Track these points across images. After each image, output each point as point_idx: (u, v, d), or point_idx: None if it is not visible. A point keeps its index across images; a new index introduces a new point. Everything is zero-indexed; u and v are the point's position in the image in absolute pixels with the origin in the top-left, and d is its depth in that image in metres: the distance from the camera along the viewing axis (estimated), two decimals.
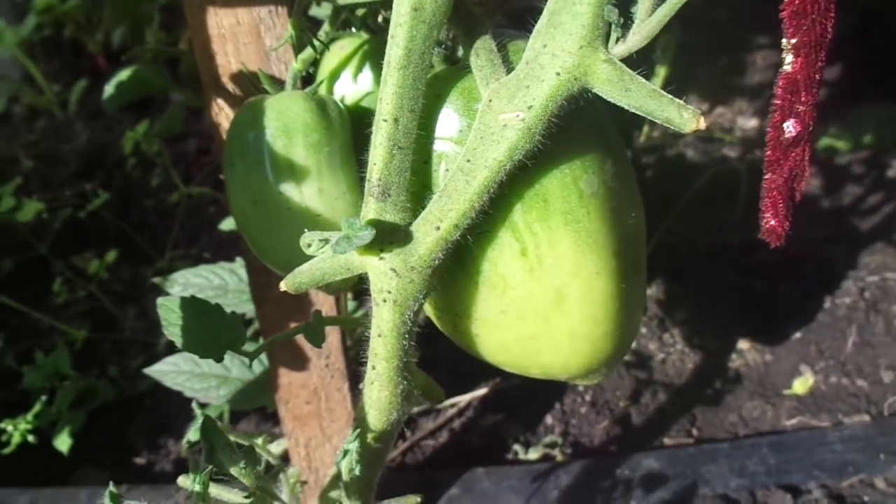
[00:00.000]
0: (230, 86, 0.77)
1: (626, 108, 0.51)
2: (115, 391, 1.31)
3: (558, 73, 0.51)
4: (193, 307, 0.67)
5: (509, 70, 0.55)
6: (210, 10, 0.73)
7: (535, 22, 0.53)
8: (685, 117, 0.50)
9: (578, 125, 0.56)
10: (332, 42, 0.74)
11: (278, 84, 0.72)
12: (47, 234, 1.57)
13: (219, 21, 0.74)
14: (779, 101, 0.50)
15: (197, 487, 0.59)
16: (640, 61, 0.52)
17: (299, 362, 0.93)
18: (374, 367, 0.62)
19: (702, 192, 1.48)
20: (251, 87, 0.74)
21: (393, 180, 0.55)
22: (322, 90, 0.73)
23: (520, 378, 0.71)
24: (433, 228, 0.55)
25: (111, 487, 0.58)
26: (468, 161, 0.54)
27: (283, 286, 0.57)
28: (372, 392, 0.63)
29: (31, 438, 1.17)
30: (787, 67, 0.48)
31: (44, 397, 1.22)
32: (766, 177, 0.54)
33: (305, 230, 0.56)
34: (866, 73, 1.69)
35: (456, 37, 0.63)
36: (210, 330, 0.67)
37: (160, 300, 0.68)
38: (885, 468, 1.06)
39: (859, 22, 1.78)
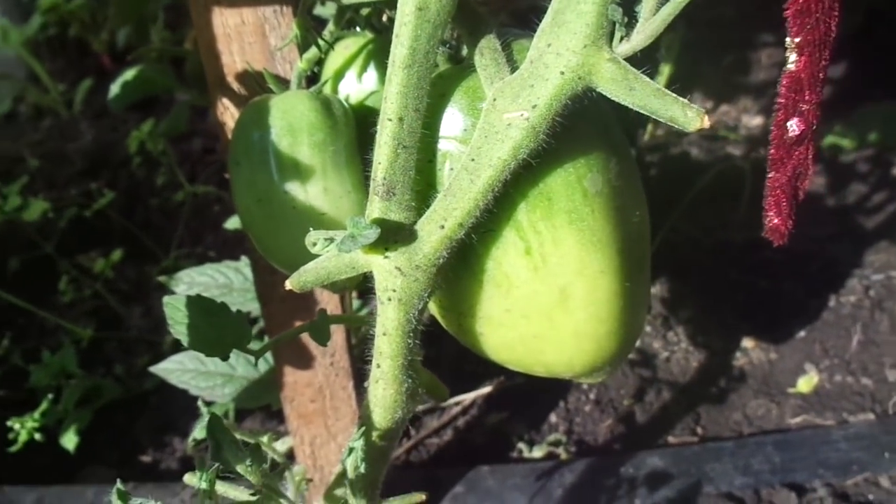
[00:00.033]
0: (235, 85, 0.77)
1: (631, 106, 0.51)
2: (121, 389, 1.31)
3: (562, 72, 0.51)
4: (199, 306, 0.67)
5: (514, 69, 0.55)
6: (215, 9, 0.74)
7: (540, 21, 0.53)
8: (689, 116, 0.50)
9: (583, 124, 0.56)
10: (337, 41, 0.74)
11: (283, 83, 0.73)
12: (53, 234, 1.58)
13: (224, 20, 0.74)
14: (782, 100, 0.50)
15: (203, 485, 0.59)
16: (644, 60, 0.52)
17: (304, 360, 0.93)
18: (378, 366, 0.62)
19: (706, 191, 1.48)
20: (256, 86, 0.74)
21: (398, 179, 0.55)
22: (327, 89, 0.73)
23: (524, 376, 0.71)
24: (438, 227, 0.55)
25: (119, 485, 0.58)
26: (473, 160, 0.54)
27: (288, 285, 0.57)
28: (377, 390, 0.64)
29: (37, 436, 1.17)
30: (790, 66, 0.48)
31: (50, 395, 1.22)
32: (769, 175, 0.54)
33: (310, 229, 0.56)
34: (871, 72, 1.69)
35: (460, 36, 0.63)
36: (215, 328, 0.67)
37: (166, 299, 0.68)
38: (889, 466, 1.06)
39: (864, 20, 1.78)
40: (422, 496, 0.72)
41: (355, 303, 1.13)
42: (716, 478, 1.07)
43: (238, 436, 0.65)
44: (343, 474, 0.69)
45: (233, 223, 1.20)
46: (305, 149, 0.66)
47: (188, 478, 0.62)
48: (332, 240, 0.55)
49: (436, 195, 0.56)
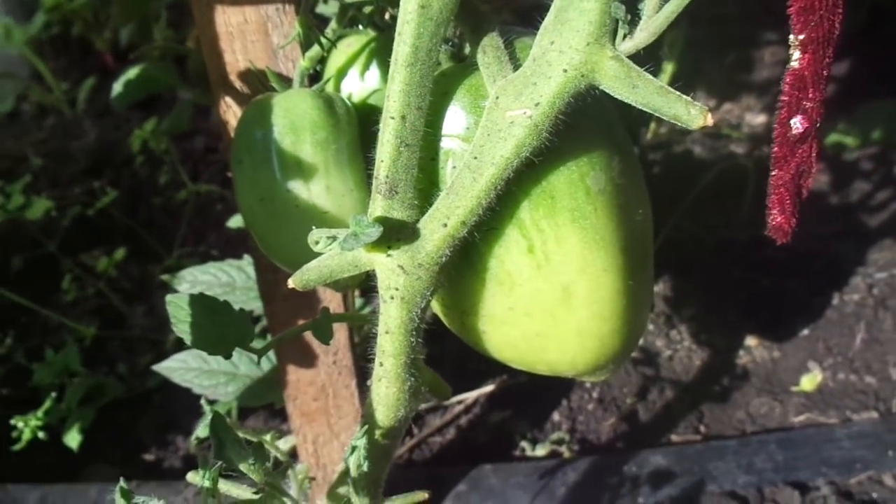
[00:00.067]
0: (238, 83, 0.77)
1: (634, 104, 0.51)
2: (124, 388, 1.32)
3: (565, 70, 0.51)
4: (202, 304, 0.67)
5: (516, 67, 0.55)
6: (218, 7, 0.74)
7: (543, 19, 0.53)
8: (693, 114, 0.50)
9: (586, 122, 0.56)
10: (340, 40, 0.74)
11: (286, 82, 0.73)
12: (56, 232, 1.58)
13: (226, 19, 0.74)
14: (786, 98, 0.50)
15: (206, 483, 0.59)
16: (647, 58, 0.52)
17: (307, 359, 0.93)
18: (381, 364, 0.62)
19: (709, 189, 1.48)
20: (259, 84, 0.74)
21: (400, 177, 0.55)
22: (329, 88, 0.73)
23: (527, 375, 0.71)
24: (440, 225, 0.55)
25: (122, 483, 0.58)
26: (475, 158, 0.54)
27: (290, 283, 0.57)
28: (379, 389, 0.63)
29: (41, 435, 1.17)
30: (794, 64, 0.48)
31: (53, 394, 1.22)
32: (772, 173, 0.53)
33: (313, 227, 0.56)
34: (874, 69, 1.69)
35: (463, 34, 0.63)
36: (218, 327, 0.67)
37: (169, 297, 0.68)
38: (893, 465, 1.06)
39: (867, 18, 1.77)
40: (424, 495, 0.72)
41: (358, 301, 1.13)
42: (719, 476, 1.06)
43: (241, 434, 0.65)
44: (346, 473, 0.69)
45: (235, 222, 1.21)
46: (308, 147, 0.66)
47: (191, 476, 0.62)
48: (334, 238, 0.55)
49: (438, 193, 0.56)
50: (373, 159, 0.56)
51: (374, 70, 0.73)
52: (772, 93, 1.76)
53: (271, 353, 1.01)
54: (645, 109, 0.51)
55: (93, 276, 1.51)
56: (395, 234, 0.55)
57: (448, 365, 1.22)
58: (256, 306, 1.03)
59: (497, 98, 0.54)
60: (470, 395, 1.24)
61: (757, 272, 1.39)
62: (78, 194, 1.71)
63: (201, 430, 0.89)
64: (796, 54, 0.48)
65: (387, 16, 0.73)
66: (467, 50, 0.63)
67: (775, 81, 1.80)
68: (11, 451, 1.17)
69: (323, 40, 0.71)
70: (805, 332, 1.30)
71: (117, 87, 1.16)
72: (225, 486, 0.63)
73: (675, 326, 1.33)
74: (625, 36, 0.52)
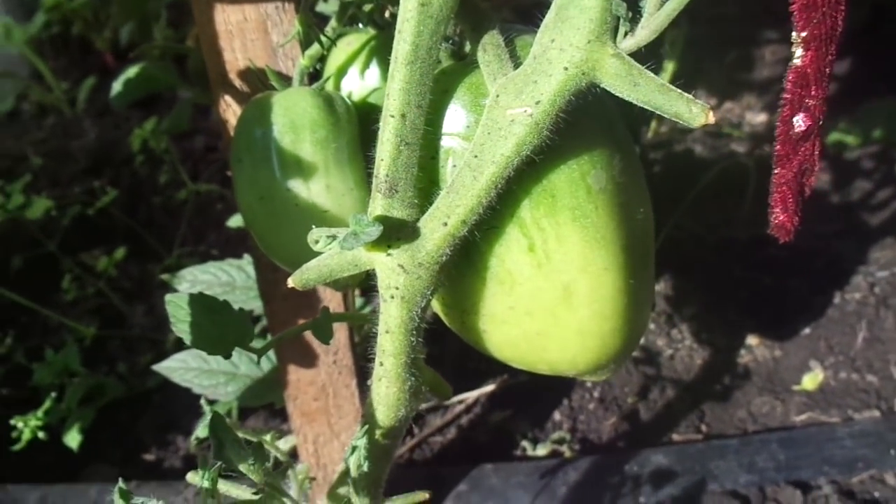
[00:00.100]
0: (237, 82, 0.77)
1: (635, 102, 0.51)
2: (124, 388, 1.31)
3: (566, 68, 0.51)
4: (201, 304, 0.67)
5: (517, 65, 0.55)
6: (217, 6, 0.73)
7: (543, 17, 0.53)
8: (694, 112, 0.49)
9: (586, 120, 0.56)
10: (339, 38, 0.74)
11: (285, 80, 0.72)
12: (56, 232, 1.58)
13: (226, 17, 0.74)
14: (788, 96, 0.49)
15: (205, 484, 0.59)
16: (648, 56, 0.52)
17: (307, 359, 0.93)
18: (381, 364, 0.62)
19: (710, 188, 1.47)
20: (258, 83, 0.74)
21: (400, 176, 0.55)
22: (329, 86, 0.72)
23: (528, 374, 0.71)
24: (440, 224, 0.55)
25: (121, 484, 0.58)
26: (475, 157, 0.54)
27: (290, 283, 0.57)
28: (380, 388, 0.63)
29: (41, 435, 1.17)
30: (796, 61, 0.48)
31: (53, 394, 1.22)
32: (775, 172, 0.53)
33: (313, 226, 0.56)
34: (876, 68, 1.69)
35: (463, 32, 0.63)
36: (218, 326, 0.67)
37: (168, 297, 0.68)
38: (895, 464, 1.06)
39: (869, 16, 1.77)
40: (425, 495, 0.72)
41: (358, 300, 1.13)
42: (720, 475, 1.06)
43: (240, 434, 0.65)
44: (346, 473, 0.68)
45: (235, 221, 1.20)
46: (308, 146, 0.66)
47: (191, 477, 0.62)
48: (334, 237, 0.55)
49: (438, 192, 0.56)
50: (373, 158, 0.56)
51: (374, 68, 0.73)
52: (772, 91, 1.76)
53: (271, 353, 1.01)
54: (646, 107, 0.51)
55: (93, 276, 1.51)
56: (395, 233, 0.55)
57: (448, 364, 1.22)
58: (256, 306, 1.03)
59: (497, 96, 0.53)
60: (470, 395, 1.24)
61: (758, 271, 1.39)
62: (78, 194, 1.70)
63: (201, 430, 0.89)
64: (799, 52, 0.48)
65: (387, 14, 0.73)
66: (468, 48, 0.63)
67: (776, 80, 1.80)
68: (11, 452, 1.17)
69: (323, 38, 0.71)
70: (806, 330, 1.29)
71: (117, 86, 1.16)
72: (225, 487, 0.63)
73: (676, 325, 1.33)
74: (626, 34, 0.51)
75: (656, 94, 0.50)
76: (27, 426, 1.17)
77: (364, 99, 0.72)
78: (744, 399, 1.21)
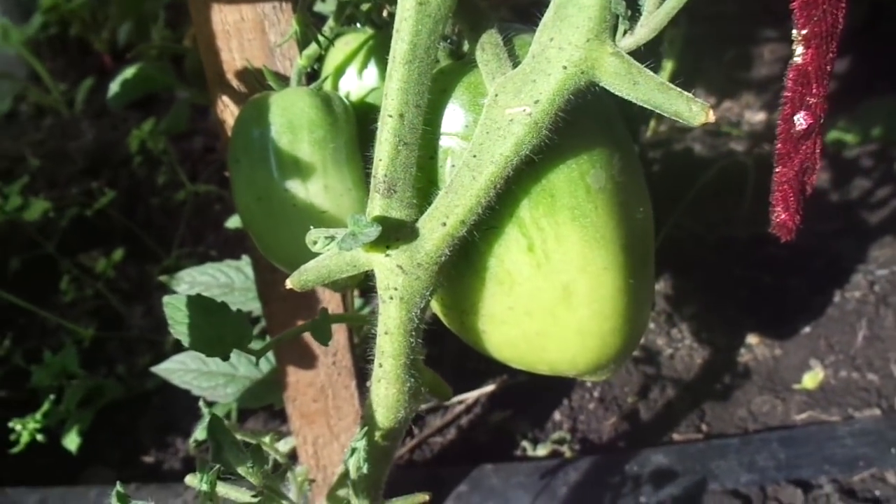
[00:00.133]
0: (235, 82, 0.77)
1: (635, 101, 0.51)
2: (122, 389, 1.31)
3: (565, 67, 0.51)
4: (199, 305, 0.67)
5: (515, 64, 0.54)
6: (214, 6, 0.73)
7: (541, 15, 0.53)
8: (694, 110, 0.49)
9: (585, 119, 0.56)
10: (337, 38, 0.73)
11: (283, 80, 0.72)
12: (54, 233, 1.57)
13: (223, 17, 0.74)
14: (789, 94, 0.49)
15: (204, 487, 0.58)
16: (647, 55, 0.52)
17: (306, 360, 0.92)
18: (381, 365, 0.62)
19: (709, 187, 1.47)
20: (256, 83, 0.74)
21: (399, 176, 0.54)
22: (327, 86, 0.72)
23: (527, 374, 0.71)
24: (439, 224, 0.54)
25: (119, 487, 0.58)
26: (474, 156, 0.53)
27: (288, 284, 0.57)
28: (379, 389, 0.63)
29: (39, 437, 1.17)
30: (797, 59, 0.48)
31: (52, 396, 1.22)
32: (776, 170, 0.53)
33: (311, 227, 0.56)
34: (875, 66, 1.68)
35: (461, 31, 0.63)
36: (216, 328, 0.66)
37: (166, 298, 0.67)
38: None
39: (868, 14, 1.77)
40: (425, 496, 0.71)
41: (357, 301, 1.13)
42: (721, 475, 1.06)
43: (239, 436, 0.64)
44: (346, 475, 0.68)
45: (234, 222, 1.20)
46: (305, 146, 0.66)
47: (189, 479, 0.62)
48: (332, 238, 0.54)
49: (437, 192, 0.55)
50: (371, 158, 0.55)
51: (372, 68, 0.72)
52: (771, 90, 1.76)
53: (270, 355, 1.00)
54: (646, 106, 0.51)
55: (91, 277, 1.51)
56: (394, 233, 0.55)
57: (448, 365, 1.22)
58: (255, 307, 1.03)
59: (496, 95, 0.53)
60: (470, 395, 1.24)
61: (758, 270, 1.39)
62: (76, 195, 1.70)
63: (199, 432, 0.89)
64: (799, 49, 0.48)
65: (385, 13, 0.73)
66: (466, 47, 0.63)
67: (775, 79, 1.80)
68: (10, 454, 1.17)
69: (320, 38, 0.70)
70: (806, 329, 1.29)
71: (114, 86, 1.15)
72: (223, 490, 0.62)
73: (675, 325, 1.33)
74: (625, 32, 0.51)
75: (656, 92, 0.50)
76: (26, 428, 1.16)
77: (362, 99, 0.72)
78: (744, 398, 1.21)
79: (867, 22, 1.76)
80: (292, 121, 0.66)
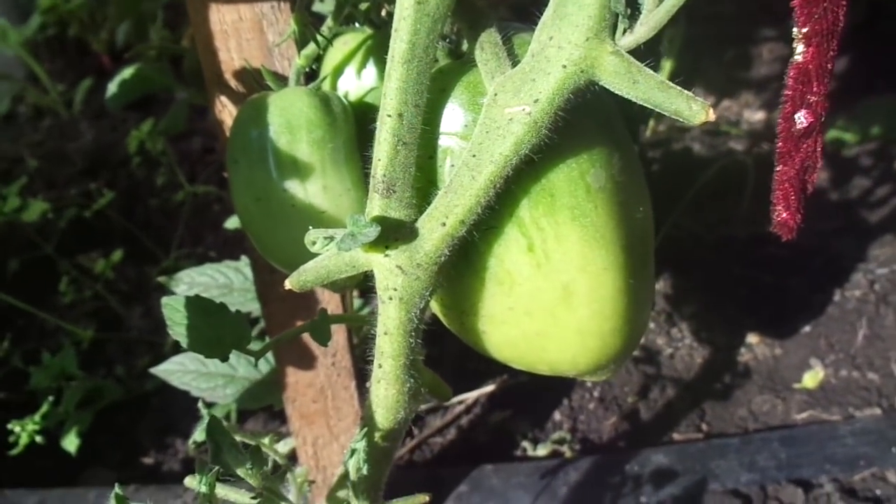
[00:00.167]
0: (233, 82, 0.76)
1: (634, 100, 0.51)
2: (122, 391, 1.31)
3: (564, 66, 0.51)
4: (198, 306, 0.67)
5: (515, 63, 0.54)
6: (212, 6, 0.73)
7: (541, 14, 0.52)
8: (694, 109, 0.49)
9: (585, 119, 0.56)
10: (336, 37, 0.73)
11: (281, 80, 0.72)
12: (53, 234, 1.57)
13: (221, 17, 0.74)
14: (790, 92, 0.49)
15: (203, 488, 0.58)
16: (646, 53, 0.52)
17: (306, 361, 0.92)
18: (380, 366, 0.61)
19: (709, 186, 1.47)
20: (254, 83, 0.74)
21: (398, 176, 0.54)
22: (325, 86, 0.72)
23: (527, 375, 0.70)
24: (439, 224, 0.54)
25: (117, 489, 0.58)
26: (473, 156, 0.53)
27: (287, 284, 0.57)
28: (379, 390, 0.63)
29: (38, 439, 1.17)
30: (798, 57, 0.47)
31: (51, 398, 1.21)
32: (777, 169, 0.53)
33: (310, 227, 0.56)
34: (874, 64, 1.68)
35: (460, 30, 0.62)
36: (215, 329, 0.66)
37: (164, 299, 0.67)
38: None
39: (866, 12, 1.77)
40: (425, 497, 0.71)
41: (356, 302, 1.12)
42: (721, 474, 1.06)
43: (239, 438, 0.64)
44: (346, 475, 0.68)
45: (233, 223, 1.20)
46: (304, 146, 0.65)
47: (188, 481, 0.61)
48: (331, 238, 0.54)
49: (437, 192, 0.55)
50: (370, 158, 0.55)
51: (371, 68, 0.72)
52: (770, 89, 1.76)
53: (270, 355, 1.00)
54: (646, 105, 0.50)
55: (90, 278, 1.51)
56: (393, 233, 0.55)
57: (448, 365, 1.22)
58: (254, 308, 1.02)
59: (495, 95, 0.53)
60: (470, 396, 1.23)
61: (757, 269, 1.39)
62: (74, 196, 1.70)
63: (198, 433, 0.88)
64: (800, 48, 0.47)
65: (383, 13, 0.73)
66: (465, 46, 0.63)
67: (774, 78, 1.79)
68: (9, 456, 1.17)
69: (319, 38, 0.70)
70: (807, 328, 1.29)
71: (112, 87, 1.15)
72: (223, 491, 0.62)
73: (675, 324, 1.32)
74: (625, 31, 0.51)
75: (656, 91, 0.50)
76: (24, 430, 1.16)
77: (361, 98, 0.72)
78: (744, 398, 1.20)
79: (866, 20, 1.76)
80: (291, 121, 0.66)
